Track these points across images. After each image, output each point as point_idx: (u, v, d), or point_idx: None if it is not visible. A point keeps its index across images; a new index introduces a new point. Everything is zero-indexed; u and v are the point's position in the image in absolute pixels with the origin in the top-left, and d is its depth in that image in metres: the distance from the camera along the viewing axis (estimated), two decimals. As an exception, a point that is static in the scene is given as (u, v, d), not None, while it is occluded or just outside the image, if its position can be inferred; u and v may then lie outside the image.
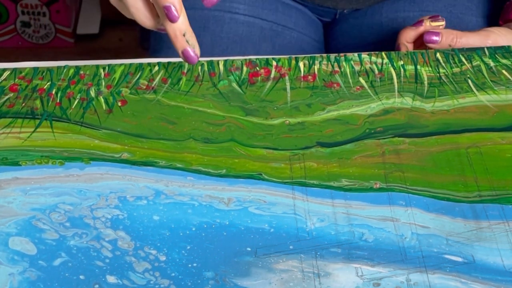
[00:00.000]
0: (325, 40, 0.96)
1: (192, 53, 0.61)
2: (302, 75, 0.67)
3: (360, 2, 0.90)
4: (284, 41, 0.88)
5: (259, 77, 0.67)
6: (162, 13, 0.60)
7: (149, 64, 0.69)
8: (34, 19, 1.75)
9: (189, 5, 0.87)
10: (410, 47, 0.78)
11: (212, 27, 0.85)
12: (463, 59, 0.69)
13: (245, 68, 0.68)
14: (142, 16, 0.62)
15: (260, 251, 0.54)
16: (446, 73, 0.67)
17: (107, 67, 0.68)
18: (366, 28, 0.90)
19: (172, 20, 0.59)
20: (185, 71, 0.68)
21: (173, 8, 0.59)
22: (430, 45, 0.74)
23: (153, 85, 0.67)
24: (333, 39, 0.94)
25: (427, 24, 0.76)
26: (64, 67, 0.69)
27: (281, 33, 0.88)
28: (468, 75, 0.67)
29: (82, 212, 0.56)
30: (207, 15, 0.86)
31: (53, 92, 0.66)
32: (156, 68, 0.68)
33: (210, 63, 0.69)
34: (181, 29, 0.60)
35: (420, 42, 0.78)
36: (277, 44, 0.88)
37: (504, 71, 0.67)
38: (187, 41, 0.61)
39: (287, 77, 0.67)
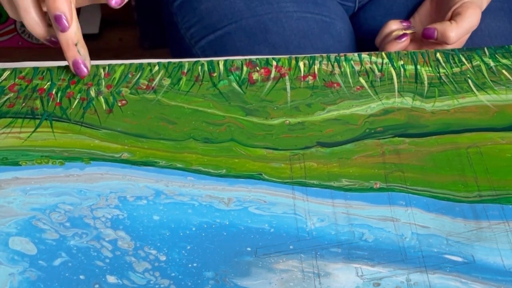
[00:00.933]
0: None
1: (82, 65, 0.63)
2: (302, 75, 0.67)
3: None
4: (336, 31, 0.89)
5: (260, 76, 0.67)
6: (54, 22, 0.60)
7: (149, 64, 0.69)
8: (34, 19, 1.75)
9: (241, 17, 0.87)
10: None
11: (274, 29, 0.86)
12: (463, 59, 0.69)
13: (245, 68, 0.68)
14: (32, 21, 0.63)
15: (260, 251, 0.54)
16: (446, 73, 0.67)
17: (107, 67, 0.68)
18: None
19: (63, 29, 0.61)
20: (185, 71, 0.68)
21: (63, 17, 0.60)
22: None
23: (153, 85, 0.67)
24: (358, 27, 0.95)
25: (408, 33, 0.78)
26: (64, 67, 0.69)
27: (331, 24, 0.89)
28: (468, 75, 0.67)
29: (82, 212, 0.56)
30: (263, 20, 0.87)
31: (53, 92, 0.66)
32: (156, 68, 0.68)
33: (210, 63, 0.69)
34: (73, 39, 0.62)
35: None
36: (334, 35, 0.88)
37: (504, 71, 0.67)
38: (78, 52, 0.63)
39: (287, 77, 0.67)
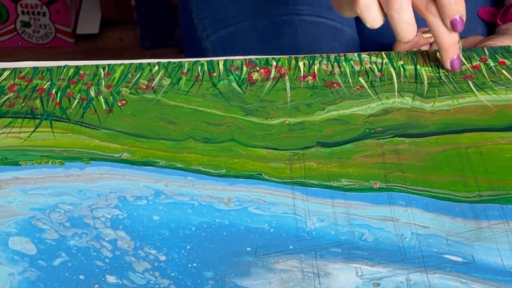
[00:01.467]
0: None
1: (458, 60, 0.64)
2: (302, 75, 0.67)
3: None
4: (345, 38, 0.88)
5: (259, 76, 0.67)
6: (438, 26, 0.61)
7: (149, 64, 0.69)
8: (34, 19, 1.75)
9: (255, 15, 0.86)
10: None
11: (287, 32, 0.85)
12: (463, 59, 0.68)
13: (245, 68, 0.68)
14: (373, 16, 0.63)
15: (260, 251, 0.54)
16: (446, 73, 0.67)
17: (107, 67, 0.68)
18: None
19: (458, 30, 0.62)
20: (185, 71, 0.68)
21: (462, 18, 0.61)
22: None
23: (153, 85, 0.67)
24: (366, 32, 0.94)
25: (421, 35, 0.77)
26: (64, 67, 0.69)
27: (340, 30, 0.88)
28: (468, 75, 0.67)
29: (82, 212, 0.56)
30: (277, 21, 0.86)
31: (53, 92, 0.66)
32: (156, 68, 0.68)
33: (210, 63, 0.69)
34: (457, 36, 0.63)
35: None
36: (343, 42, 0.88)
37: (504, 71, 0.67)
38: (459, 47, 0.63)
39: (287, 77, 0.67)
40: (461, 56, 0.65)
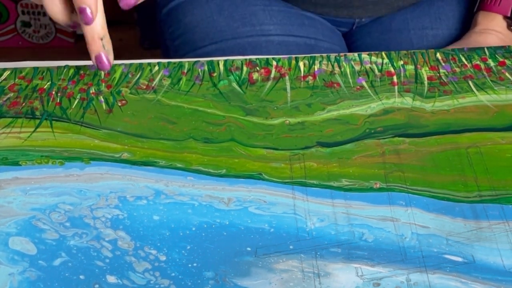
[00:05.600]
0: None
1: (105, 59, 0.61)
2: (302, 75, 0.67)
3: (376, 9, 0.89)
4: (320, 53, 0.88)
5: (260, 76, 0.67)
6: (78, 14, 0.59)
7: (149, 64, 0.69)
8: (34, 19, 1.75)
9: (222, 37, 0.86)
10: None
11: (251, 54, 0.85)
12: (463, 59, 0.69)
13: (245, 68, 0.68)
14: (55, 8, 0.60)
15: (260, 251, 0.54)
16: (446, 73, 0.67)
17: (107, 67, 0.68)
18: (394, 44, 0.89)
19: (87, 22, 0.59)
20: (185, 71, 0.68)
21: (88, 10, 0.58)
22: None
23: (153, 85, 0.67)
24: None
25: None
26: (64, 67, 0.69)
27: (315, 46, 0.88)
28: (468, 75, 0.67)
29: (82, 212, 0.56)
30: (242, 44, 0.86)
31: (53, 92, 0.66)
32: (156, 68, 0.68)
33: (210, 63, 0.69)
34: (99, 33, 0.60)
35: None
36: None
37: (504, 71, 0.67)
38: (103, 46, 0.61)
39: (287, 77, 0.67)
40: (104, 54, 0.61)
